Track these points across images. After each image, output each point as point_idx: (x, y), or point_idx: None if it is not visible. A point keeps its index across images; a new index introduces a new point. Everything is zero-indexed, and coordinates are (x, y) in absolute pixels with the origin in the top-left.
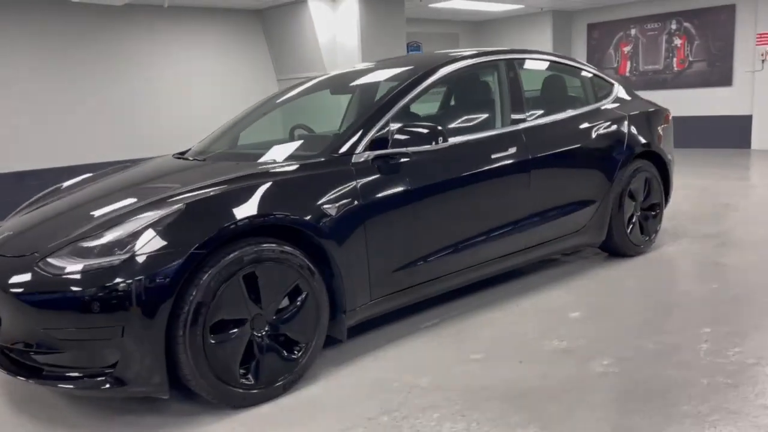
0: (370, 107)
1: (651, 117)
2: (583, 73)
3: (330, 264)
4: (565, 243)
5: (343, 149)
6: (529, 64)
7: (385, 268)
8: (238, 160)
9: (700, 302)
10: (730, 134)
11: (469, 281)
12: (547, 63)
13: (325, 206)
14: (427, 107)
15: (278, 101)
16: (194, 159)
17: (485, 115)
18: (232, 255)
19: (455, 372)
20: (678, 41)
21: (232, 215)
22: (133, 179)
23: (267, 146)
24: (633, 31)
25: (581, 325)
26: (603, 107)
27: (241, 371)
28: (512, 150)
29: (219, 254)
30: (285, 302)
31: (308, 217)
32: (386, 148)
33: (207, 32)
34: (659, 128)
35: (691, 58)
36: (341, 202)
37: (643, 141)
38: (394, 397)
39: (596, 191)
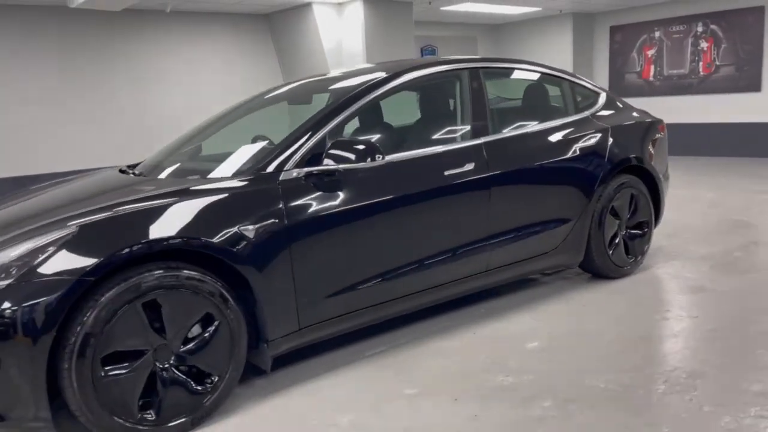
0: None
1: (639, 129)
2: (563, 83)
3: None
4: (537, 264)
5: (271, 167)
6: (499, 74)
7: (316, 294)
8: (183, 175)
9: (673, 335)
10: (758, 143)
11: (421, 306)
12: (522, 72)
13: (241, 229)
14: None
15: (245, 109)
16: (136, 173)
17: (442, 129)
18: (126, 282)
19: (381, 410)
20: (704, 44)
21: (128, 239)
22: (54, 196)
23: (220, 159)
24: (657, 34)
25: (535, 357)
26: (583, 118)
27: (144, 406)
28: (469, 166)
29: (111, 281)
30: (197, 331)
31: (220, 241)
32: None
33: (214, 37)
34: (649, 141)
35: (717, 62)
36: (261, 224)
37: (629, 155)
38: None
39: (571, 209)
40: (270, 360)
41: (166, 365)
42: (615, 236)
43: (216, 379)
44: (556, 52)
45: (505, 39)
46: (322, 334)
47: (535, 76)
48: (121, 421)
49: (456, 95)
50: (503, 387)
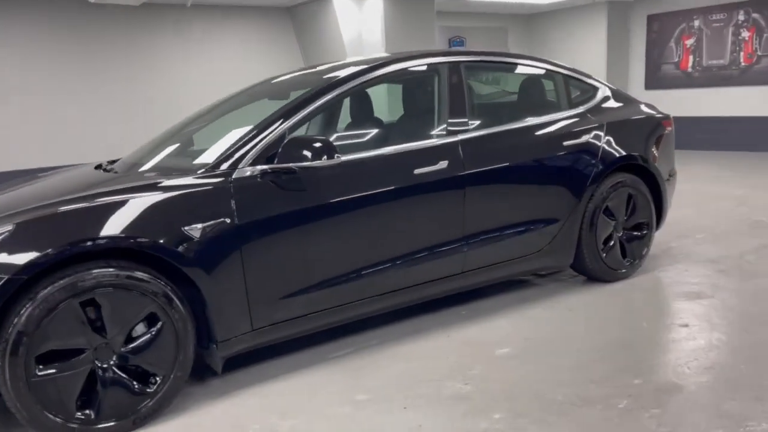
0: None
1: (640, 125)
2: (556, 77)
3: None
4: (522, 266)
5: (225, 164)
6: (484, 69)
7: (270, 295)
8: (151, 171)
9: (657, 344)
10: None
11: (390, 308)
12: (509, 66)
13: (188, 228)
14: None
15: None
16: (107, 169)
17: (417, 126)
18: (62, 281)
19: (326, 416)
20: (746, 34)
21: (65, 237)
22: (17, 193)
23: (194, 155)
24: (696, 23)
25: (502, 365)
26: (576, 114)
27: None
28: (443, 164)
29: (46, 280)
30: (142, 331)
31: (164, 241)
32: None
33: (236, 30)
34: (652, 138)
35: (759, 53)
36: (209, 224)
37: (625, 153)
38: None
39: (559, 209)
40: (221, 361)
41: (107, 365)
42: (610, 238)
43: (160, 380)
44: (591, 43)
45: (537, 29)
46: (279, 335)
47: (524, 70)
48: (57, 419)
49: (434, 91)
50: (459, 395)
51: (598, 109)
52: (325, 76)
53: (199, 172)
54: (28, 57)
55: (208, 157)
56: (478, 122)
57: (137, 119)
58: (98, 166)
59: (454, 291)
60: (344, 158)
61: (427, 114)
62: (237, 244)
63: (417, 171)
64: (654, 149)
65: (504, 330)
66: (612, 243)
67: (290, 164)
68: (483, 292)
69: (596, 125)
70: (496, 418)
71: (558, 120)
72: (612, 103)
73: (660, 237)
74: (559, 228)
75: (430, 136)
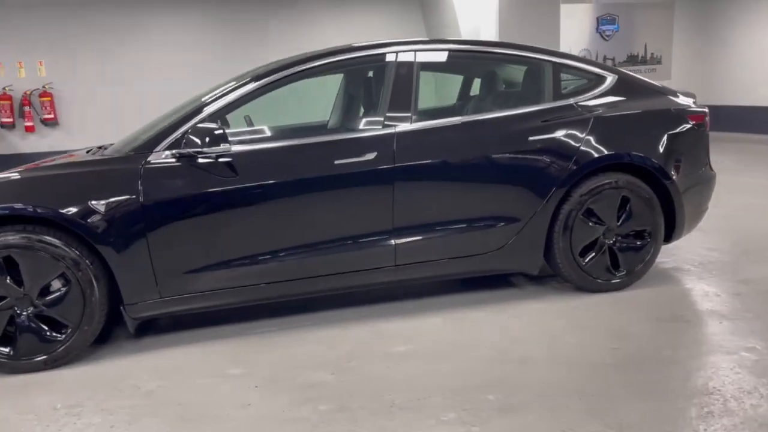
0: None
1: (646, 119)
2: (544, 66)
3: None
4: (474, 264)
5: (144, 147)
6: (444, 57)
7: (174, 269)
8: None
9: (551, 367)
10: None
11: (310, 292)
12: (479, 55)
13: (95, 203)
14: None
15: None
16: (91, 150)
17: (351, 117)
18: None
19: (191, 383)
20: None
21: None
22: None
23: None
24: None
25: (381, 362)
26: (559, 107)
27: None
28: (370, 156)
29: None
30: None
31: (70, 213)
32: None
33: (364, 16)
34: (663, 134)
35: None
36: (115, 200)
37: (614, 150)
38: (106, 394)
39: (519, 208)
40: (132, 322)
41: (24, 312)
42: (595, 244)
43: (69, 331)
44: None
45: (713, 5)
46: (189, 306)
47: (496, 60)
48: None
49: (379, 82)
50: (313, 383)
51: (593, 101)
52: (266, 68)
53: (122, 153)
54: (173, 47)
55: (137, 139)
56: (425, 115)
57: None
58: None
59: (390, 282)
60: (249, 147)
61: (367, 106)
62: (141, 221)
63: (338, 162)
64: (668, 147)
65: (427, 328)
66: (598, 250)
67: (191, 150)
68: (456, 288)
69: (578, 119)
70: (322, 409)
71: (528, 113)
72: (616, 95)
73: (687, 246)
74: (520, 228)
75: (363, 128)
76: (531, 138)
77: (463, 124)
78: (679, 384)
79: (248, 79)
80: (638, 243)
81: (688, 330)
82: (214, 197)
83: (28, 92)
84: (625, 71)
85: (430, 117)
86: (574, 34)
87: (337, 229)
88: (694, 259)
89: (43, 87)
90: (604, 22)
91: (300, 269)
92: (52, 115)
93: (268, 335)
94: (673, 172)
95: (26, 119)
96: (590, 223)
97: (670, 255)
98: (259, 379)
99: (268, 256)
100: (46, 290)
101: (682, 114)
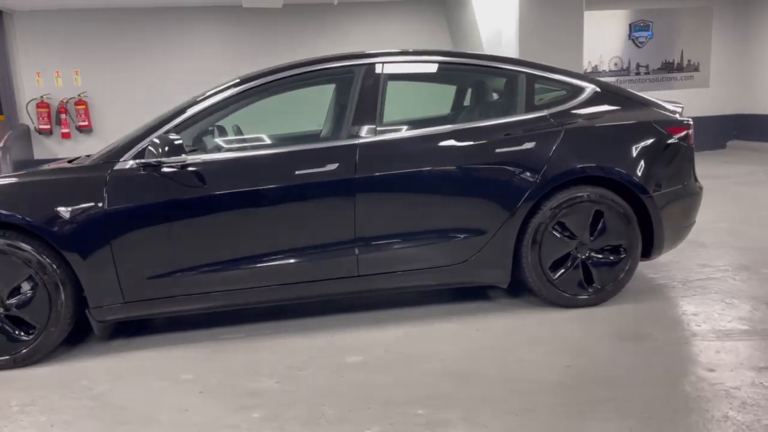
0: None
1: (621, 132)
2: (518, 77)
3: None
4: (442, 276)
5: (111, 156)
6: (412, 69)
7: (137, 274)
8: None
9: (487, 384)
10: None
11: (274, 300)
12: (450, 67)
13: (60, 209)
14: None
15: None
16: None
17: (318, 128)
18: None
19: (142, 386)
20: None
21: None
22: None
23: None
24: None
25: (332, 371)
26: (530, 119)
27: None
28: (331, 167)
29: None
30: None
31: (35, 219)
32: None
33: (387, 23)
34: (640, 146)
35: None
36: (80, 207)
37: (584, 163)
38: (60, 394)
39: (485, 221)
40: (97, 324)
41: None
42: (567, 258)
43: (36, 331)
44: None
45: (754, 10)
46: (152, 311)
47: (466, 71)
48: None
49: (346, 94)
50: (256, 391)
51: (568, 112)
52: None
53: (93, 162)
54: (184, 58)
55: (108, 150)
56: (391, 126)
57: (285, 115)
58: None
59: (353, 293)
60: (211, 157)
61: (335, 117)
62: (105, 227)
63: (298, 172)
64: (645, 161)
65: (386, 339)
66: (570, 265)
67: (151, 160)
68: (429, 299)
69: (548, 132)
70: (254, 417)
71: (495, 125)
72: (594, 106)
73: (680, 260)
74: (486, 241)
75: (328, 139)
76: (497, 150)
77: (427, 135)
78: (621, 405)
79: (218, 89)
80: (613, 258)
81: (650, 350)
82: (176, 206)
83: (64, 100)
84: (607, 82)
85: (396, 129)
86: (605, 41)
87: (296, 239)
88: (682, 276)
89: (79, 95)
90: (637, 29)
91: (261, 277)
92: (86, 123)
93: (231, 341)
94: (649, 186)
95: (62, 126)
96: (562, 237)
97: (659, 270)
98: (206, 384)
99: (229, 264)
100: (15, 292)
101: (662, 126)
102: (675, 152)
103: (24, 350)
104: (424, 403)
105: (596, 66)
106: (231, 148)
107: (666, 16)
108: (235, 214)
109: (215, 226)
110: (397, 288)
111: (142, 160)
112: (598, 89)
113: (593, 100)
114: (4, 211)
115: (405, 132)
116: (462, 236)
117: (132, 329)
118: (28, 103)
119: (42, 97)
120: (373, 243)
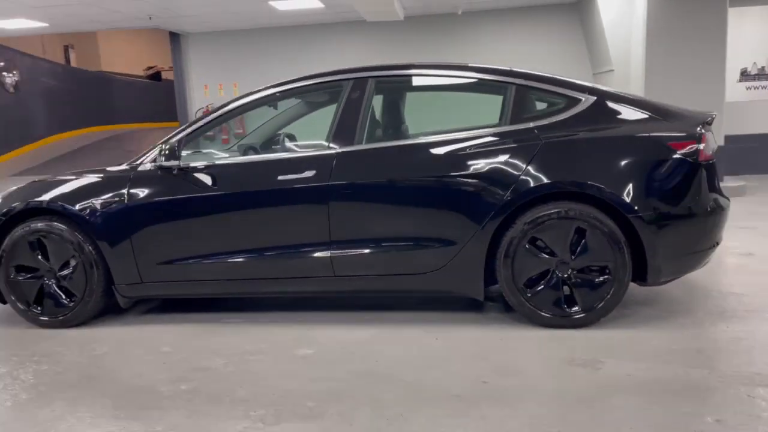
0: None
1: (615, 146)
2: (505, 89)
3: None
4: (414, 282)
5: (137, 161)
6: (398, 82)
7: (150, 260)
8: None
9: (412, 396)
10: None
11: (264, 292)
12: (437, 79)
13: (94, 202)
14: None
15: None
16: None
17: (304, 139)
18: (21, 227)
19: (133, 354)
20: None
21: (18, 200)
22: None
23: None
24: None
25: (275, 364)
26: (512, 131)
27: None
28: (308, 173)
29: (16, 226)
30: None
31: (76, 209)
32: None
33: (517, 30)
34: (632, 162)
35: None
36: (108, 201)
37: (561, 179)
38: (48, 351)
39: (454, 232)
40: (123, 299)
41: (49, 282)
42: (546, 275)
43: (77, 300)
44: None
45: None
46: (166, 291)
47: (453, 83)
48: (21, 306)
49: (335, 106)
50: (200, 368)
51: (557, 125)
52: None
53: (128, 165)
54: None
55: (143, 155)
56: (372, 137)
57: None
58: None
59: (332, 291)
60: (208, 163)
61: (325, 128)
62: (126, 218)
63: (280, 177)
64: (636, 177)
65: (347, 337)
66: (547, 283)
67: (162, 163)
68: (415, 305)
69: (525, 145)
70: (183, 388)
71: (472, 137)
72: (587, 118)
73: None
74: (456, 251)
75: (310, 148)
76: (469, 162)
77: (403, 146)
78: (514, 427)
79: (223, 105)
80: (597, 280)
81: (584, 378)
82: (177, 203)
83: None
84: (614, 92)
85: (378, 139)
86: (748, 41)
87: (282, 238)
88: (684, 299)
89: None
90: None
91: (247, 271)
92: (241, 130)
93: (227, 325)
94: (638, 205)
95: (223, 132)
96: (538, 254)
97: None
98: (172, 358)
99: (219, 257)
100: (64, 267)
101: (662, 140)
102: (676, 168)
103: (68, 314)
104: (321, 397)
105: (745, 69)
106: (233, 155)
107: None
108: (226, 212)
109: (210, 222)
110: (374, 291)
111: (157, 163)
112: (596, 100)
113: (587, 112)
114: (49, 202)
115: (381, 143)
116: (432, 245)
117: (158, 307)
118: (196, 111)
119: (207, 106)
120: (345, 246)
